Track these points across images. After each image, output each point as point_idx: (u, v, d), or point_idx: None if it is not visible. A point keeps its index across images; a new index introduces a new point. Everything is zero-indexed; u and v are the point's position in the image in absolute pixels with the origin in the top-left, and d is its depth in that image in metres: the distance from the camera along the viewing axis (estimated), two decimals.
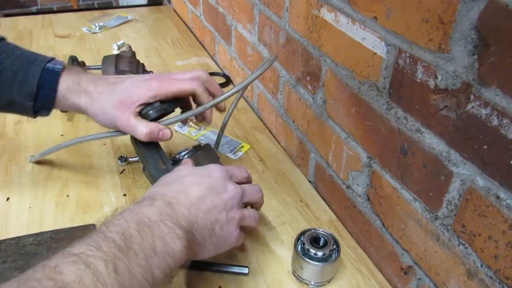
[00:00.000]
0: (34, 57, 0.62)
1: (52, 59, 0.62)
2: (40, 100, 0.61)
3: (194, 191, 0.50)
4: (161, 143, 0.65)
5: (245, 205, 0.57)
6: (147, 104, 0.60)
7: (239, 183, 0.56)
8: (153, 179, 0.61)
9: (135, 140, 0.63)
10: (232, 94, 0.62)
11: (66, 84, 0.61)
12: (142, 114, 0.60)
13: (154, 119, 0.61)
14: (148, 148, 0.62)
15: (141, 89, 0.59)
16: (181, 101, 0.64)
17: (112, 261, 0.37)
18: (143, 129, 0.59)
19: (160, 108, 0.60)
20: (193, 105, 0.66)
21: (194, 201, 0.49)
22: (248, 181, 0.59)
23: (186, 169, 0.55)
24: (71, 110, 0.65)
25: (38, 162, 0.77)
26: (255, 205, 0.59)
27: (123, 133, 0.62)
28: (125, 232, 0.40)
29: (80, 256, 0.36)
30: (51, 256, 0.36)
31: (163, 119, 0.62)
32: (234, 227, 0.52)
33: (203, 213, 0.49)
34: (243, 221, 0.53)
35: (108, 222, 0.42)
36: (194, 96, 0.63)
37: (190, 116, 0.63)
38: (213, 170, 0.54)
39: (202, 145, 0.66)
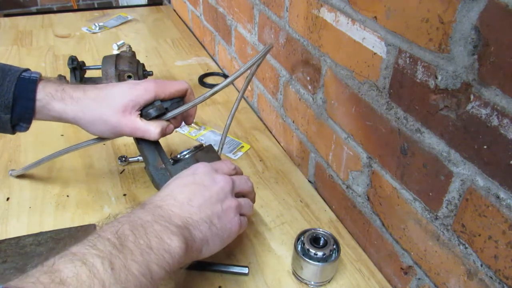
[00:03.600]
0: (8, 68, 0.59)
1: (27, 69, 0.60)
2: (17, 112, 0.58)
3: (181, 192, 0.50)
4: (162, 143, 0.65)
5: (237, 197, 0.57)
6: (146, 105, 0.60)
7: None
8: (153, 178, 0.61)
9: (137, 139, 0.64)
10: (231, 82, 0.62)
11: (47, 92, 0.58)
12: (142, 114, 0.60)
13: (153, 118, 0.61)
14: (149, 147, 0.62)
15: (140, 92, 0.59)
16: (180, 100, 0.64)
17: (108, 258, 0.38)
18: (156, 129, 0.60)
19: (160, 107, 0.60)
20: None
21: (184, 200, 0.49)
22: (236, 173, 0.59)
23: (174, 177, 0.55)
24: (54, 120, 0.61)
25: None
26: (248, 196, 0.59)
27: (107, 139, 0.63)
28: (118, 231, 0.41)
29: (76, 254, 0.38)
30: (50, 257, 0.38)
31: (165, 115, 0.63)
32: (233, 214, 0.52)
33: (196, 208, 0.49)
34: (240, 209, 0.53)
35: (102, 226, 0.43)
36: (184, 96, 0.65)
37: (191, 107, 0.63)
38: (196, 167, 0.54)
39: (204, 145, 0.66)
